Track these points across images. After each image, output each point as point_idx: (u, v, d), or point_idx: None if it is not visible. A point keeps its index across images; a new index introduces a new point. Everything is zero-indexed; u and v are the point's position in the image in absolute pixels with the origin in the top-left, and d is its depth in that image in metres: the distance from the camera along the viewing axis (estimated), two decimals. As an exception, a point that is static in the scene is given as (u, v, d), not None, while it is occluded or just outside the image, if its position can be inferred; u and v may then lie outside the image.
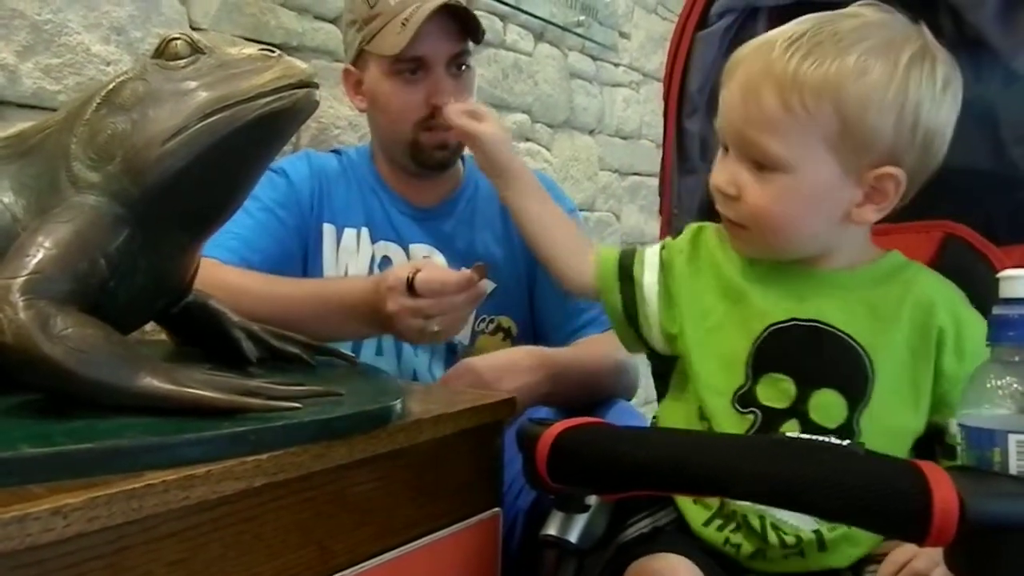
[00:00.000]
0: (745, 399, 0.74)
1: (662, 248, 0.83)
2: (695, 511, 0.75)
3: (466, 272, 0.92)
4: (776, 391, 0.73)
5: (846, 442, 0.59)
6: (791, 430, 0.72)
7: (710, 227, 0.82)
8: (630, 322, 0.82)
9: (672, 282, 0.80)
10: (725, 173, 0.74)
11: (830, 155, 0.70)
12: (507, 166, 0.92)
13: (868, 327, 0.73)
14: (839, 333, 0.73)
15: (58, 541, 0.44)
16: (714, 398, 0.75)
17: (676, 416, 0.79)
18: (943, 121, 0.72)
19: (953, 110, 0.73)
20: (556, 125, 2.29)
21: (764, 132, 0.70)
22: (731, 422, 0.74)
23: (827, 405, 0.72)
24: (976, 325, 0.72)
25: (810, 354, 0.73)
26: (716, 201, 0.77)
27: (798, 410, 0.73)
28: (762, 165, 0.71)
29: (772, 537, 0.72)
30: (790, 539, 0.72)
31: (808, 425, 0.72)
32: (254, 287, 1.02)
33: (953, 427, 0.68)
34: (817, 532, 0.71)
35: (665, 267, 0.81)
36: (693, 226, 0.84)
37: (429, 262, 0.99)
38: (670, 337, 0.80)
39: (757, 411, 0.74)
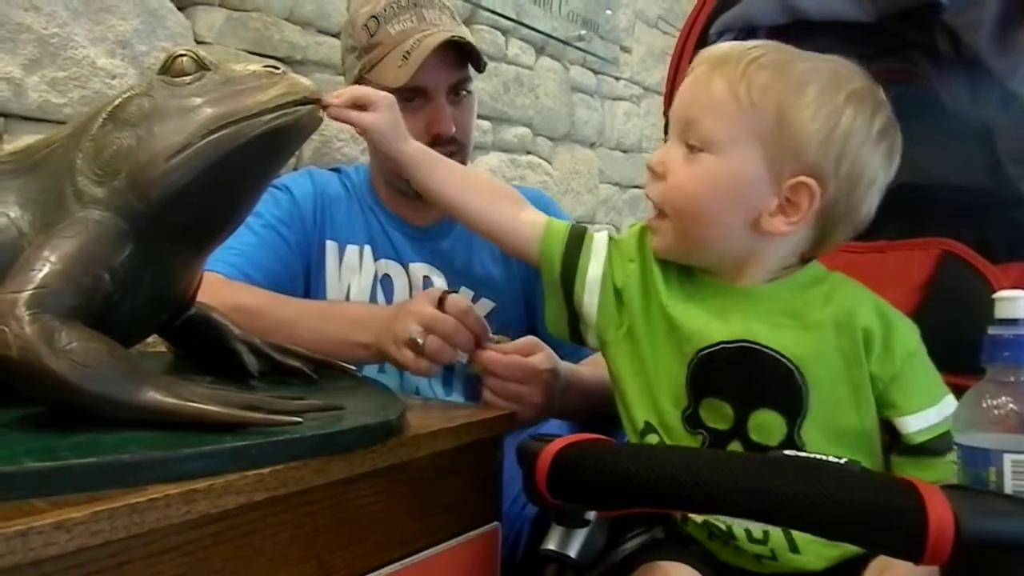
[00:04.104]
0: (692, 420, 0.75)
1: (610, 245, 0.81)
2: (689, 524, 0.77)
3: (489, 334, 0.93)
4: (717, 414, 0.74)
5: (843, 460, 0.59)
6: (735, 449, 0.73)
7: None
8: (567, 303, 0.81)
9: (623, 291, 0.79)
10: (658, 154, 0.76)
11: (759, 150, 0.71)
12: (402, 152, 0.87)
13: (795, 339, 0.72)
14: (767, 351, 0.72)
15: (61, 555, 0.45)
16: (666, 415, 0.76)
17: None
18: (871, 167, 0.72)
19: (884, 165, 0.73)
20: (557, 138, 2.30)
21: (705, 112, 0.73)
22: (687, 441, 0.75)
23: (766, 424, 0.72)
24: (904, 327, 0.73)
25: (742, 377, 0.73)
26: (646, 182, 0.78)
27: (739, 431, 0.73)
28: (694, 147, 0.73)
29: (739, 532, 0.73)
30: (757, 533, 0.72)
31: (750, 445, 0.73)
32: (256, 304, 1.01)
33: (903, 425, 0.71)
34: (787, 532, 0.71)
35: (613, 267, 0.79)
36: (637, 228, 0.81)
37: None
38: (603, 342, 0.80)
39: (705, 432, 0.74)
